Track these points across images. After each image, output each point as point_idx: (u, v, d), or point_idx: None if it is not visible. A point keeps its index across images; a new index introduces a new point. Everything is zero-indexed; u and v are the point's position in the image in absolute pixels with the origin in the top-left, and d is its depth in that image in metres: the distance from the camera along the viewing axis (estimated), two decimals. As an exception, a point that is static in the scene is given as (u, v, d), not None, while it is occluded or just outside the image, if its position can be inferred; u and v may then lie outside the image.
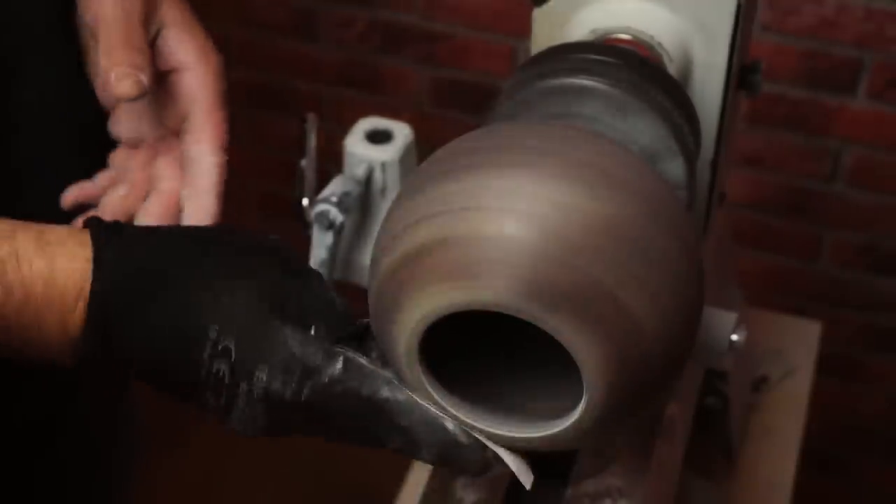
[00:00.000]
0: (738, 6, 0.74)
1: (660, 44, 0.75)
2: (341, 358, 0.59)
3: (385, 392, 0.60)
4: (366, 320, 0.62)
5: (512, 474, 0.66)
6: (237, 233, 0.63)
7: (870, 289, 1.66)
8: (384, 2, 1.65)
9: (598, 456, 0.76)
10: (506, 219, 0.56)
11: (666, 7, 0.76)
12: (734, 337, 0.80)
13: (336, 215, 0.87)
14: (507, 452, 0.62)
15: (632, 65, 0.70)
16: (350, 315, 0.62)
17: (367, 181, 0.90)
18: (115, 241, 0.59)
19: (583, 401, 0.58)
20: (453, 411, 0.61)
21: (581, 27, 0.77)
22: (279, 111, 1.81)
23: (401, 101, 1.73)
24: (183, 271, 0.59)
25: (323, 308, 0.61)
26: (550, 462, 0.72)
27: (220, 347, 0.58)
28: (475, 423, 0.62)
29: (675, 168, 0.70)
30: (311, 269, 0.63)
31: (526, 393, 0.64)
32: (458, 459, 0.61)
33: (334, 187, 0.88)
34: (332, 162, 0.95)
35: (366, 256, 0.91)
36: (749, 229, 1.66)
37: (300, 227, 0.91)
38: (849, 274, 1.66)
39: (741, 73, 0.81)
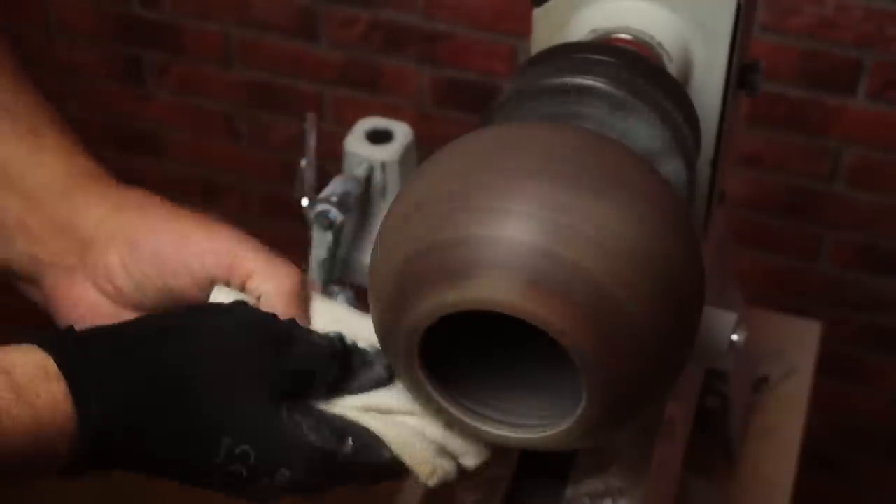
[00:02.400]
0: (738, 6, 0.74)
1: (660, 44, 0.75)
2: (350, 439, 0.61)
3: (385, 455, 0.62)
4: (336, 334, 0.63)
5: (512, 475, 0.66)
6: (200, 310, 0.61)
7: (870, 289, 1.66)
8: (385, 2, 1.65)
9: (598, 456, 0.76)
10: (502, 219, 0.56)
11: (666, 7, 0.76)
12: (734, 337, 0.80)
13: (336, 215, 0.87)
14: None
15: (632, 65, 0.70)
16: (330, 352, 0.62)
17: (367, 181, 0.90)
18: (87, 369, 0.56)
19: (582, 401, 0.58)
20: (454, 412, 0.61)
21: (581, 27, 0.77)
22: (280, 111, 1.81)
23: (401, 101, 1.73)
24: (171, 385, 0.57)
25: (310, 366, 0.61)
26: (550, 462, 0.72)
27: (236, 452, 0.58)
28: (475, 424, 0.62)
29: (675, 167, 0.70)
30: (290, 325, 0.62)
31: (526, 393, 0.64)
32: None
33: (334, 187, 0.88)
34: (332, 162, 0.95)
35: (366, 256, 0.91)
36: (749, 229, 1.66)
37: (300, 227, 0.91)
38: (849, 274, 1.66)
39: (741, 73, 0.81)
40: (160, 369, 0.57)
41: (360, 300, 0.71)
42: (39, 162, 0.67)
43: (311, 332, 0.62)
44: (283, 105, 1.80)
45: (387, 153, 0.90)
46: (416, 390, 0.62)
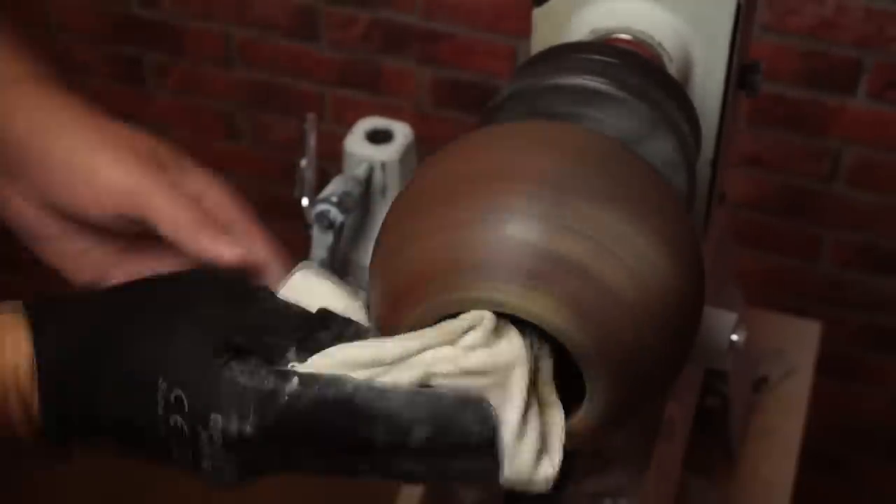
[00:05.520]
0: (738, 6, 0.74)
1: (660, 44, 0.75)
2: (295, 378, 0.55)
3: (349, 387, 0.55)
4: (317, 311, 0.59)
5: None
6: (181, 274, 0.62)
7: (870, 289, 1.66)
8: (385, 2, 1.65)
9: (598, 456, 0.76)
10: (503, 218, 0.56)
11: (666, 7, 0.76)
12: (734, 337, 0.80)
13: (336, 215, 0.87)
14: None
15: (632, 65, 0.70)
16: (303, 315, 0.59)
17: (368, 181, 0.90)
18: (52, 316, 0.59)
19: (583, 401, 0.58)
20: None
21: (581, 27, 0.77)
22: (279, 111, 1.81)
23: (401, 101, 1.73)
24: (124, 328, 0.58)
25: (273, 323, 0.58)
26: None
27: (172, 398, 0.56)
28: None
29: (675, 168, 0.70)
30: (257, 288, 0.61)
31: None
32: (457, 424, 0.54)
33: (334, 187, 0.88)
34: (332, 162, 0.95)
35: (366, 256, 0.91)
36: (749, 229, 1.66)
37: (300, 227, 0.91)
38: (849, 274, 1.66)
39: (741, 73, 0.81)
40: (108, 316, 0.59)
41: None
42: None
43: (280, 300, 0.60)
44: (283, 105, 1.80)
45: (387, 153, 0.90)
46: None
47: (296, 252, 0.84)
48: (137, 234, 0.68)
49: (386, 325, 0.60)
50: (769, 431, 1.14)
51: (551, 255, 0.55)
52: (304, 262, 0.64)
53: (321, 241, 0.88)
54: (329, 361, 0.56)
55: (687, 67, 0.77)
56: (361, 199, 0.90)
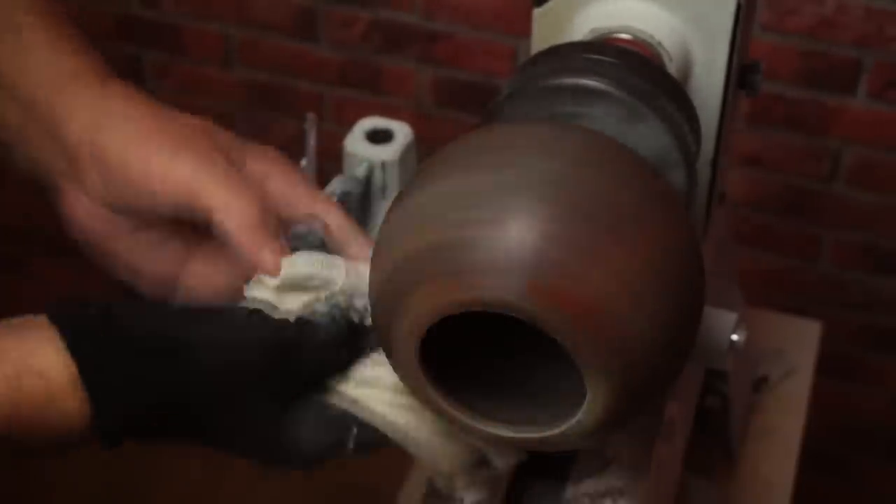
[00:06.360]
0: (738, 6, 0.74)
1: (660, 43, 0.75)
2: (353, 431, 0.63)
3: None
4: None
5: (512, 475, 0.66)
6: (213, 323, 0.61)
7: (870, 289, 1.66)
8: (385, 2, 1.65)
9: (598, 456, 0.76)
10: (504, 219, 0.56)
11: (666, 7, 0.76)
12: (734, 337, 0.80)
13: (336, 215, 0.87)
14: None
15: (632, 64, 0.70)
16: (341, 327, 0.63)
17: (368, 181, 0.90)
18: (107, 383, 0.58)
19: (584, 401, 0.58)
20: (454, 413, 0.61)
21: (581, 27, 0.77)
22: (279, 111, 1.81)
23: (401, 101, 1.73)
24: (178, 408, 0.59)
25: (324, 357, 0.62)
26: (550, 462, 0.72)
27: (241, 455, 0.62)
28: (476, 424, 0.62)
29: (675, 168, 0.70)
30: (292, 331, 0.62)
31: (527, 394, 0.64)
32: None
33: (334, 187, 0.88)
34: (332, 162, 0.95)
35: (366, 256, 0.91)
36: (749, 229, 1.66)
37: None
38: (849, 274, 1.66)
39: (741, 73, 0.81)
40: (169, 391, 0.59)
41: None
42: (25, 66, 0.68)
43: (317, 330, 0.62)
44: (283, 105, 1.80)
45: (387, 153, 0.90)
46: (417, 391, 0.62)
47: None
48: (207, 229, 0.67)
49: (387, 324, 0.60)
50: (769, 431, 1.14)
51: (556, 257, 0.55)
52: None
53: (321, 241, 0.88)
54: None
55: (687, 67, 0.77)
56: (361, 199, 0.90)
